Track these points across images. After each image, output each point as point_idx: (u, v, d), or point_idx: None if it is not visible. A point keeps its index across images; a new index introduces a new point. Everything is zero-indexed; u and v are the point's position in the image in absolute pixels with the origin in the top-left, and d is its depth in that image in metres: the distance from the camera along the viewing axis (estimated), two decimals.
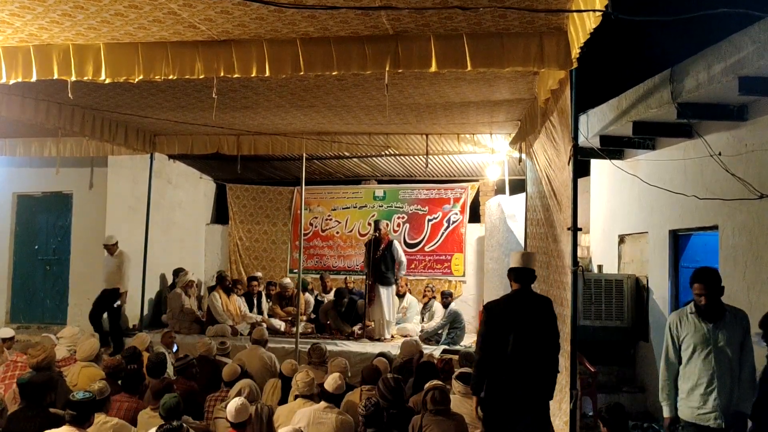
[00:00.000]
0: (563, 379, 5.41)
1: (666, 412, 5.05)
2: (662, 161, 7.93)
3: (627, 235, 9.51)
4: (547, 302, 5.56)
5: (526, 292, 5.49)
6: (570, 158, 5.07)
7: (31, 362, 6.77)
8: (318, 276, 12.92)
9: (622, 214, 9.57)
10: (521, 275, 5.47)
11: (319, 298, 12.09)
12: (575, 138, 5.03)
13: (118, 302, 10.17)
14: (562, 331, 5.63)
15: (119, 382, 6.75)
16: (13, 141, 10.44)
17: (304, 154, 10.14)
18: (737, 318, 4.80)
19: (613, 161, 8.85)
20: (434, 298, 11.51)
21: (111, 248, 10.45)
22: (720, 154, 6.38)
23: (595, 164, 10.75)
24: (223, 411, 5.91)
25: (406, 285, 12.01)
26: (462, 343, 10.41)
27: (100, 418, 5.46)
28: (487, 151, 10.26)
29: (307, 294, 11.99)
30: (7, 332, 8.72)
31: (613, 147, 8.60)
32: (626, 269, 9.49)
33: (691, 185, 7.14)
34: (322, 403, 5.82)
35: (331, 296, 12.05)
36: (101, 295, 10.27)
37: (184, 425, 4.62)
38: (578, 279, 5.26)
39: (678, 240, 7.98)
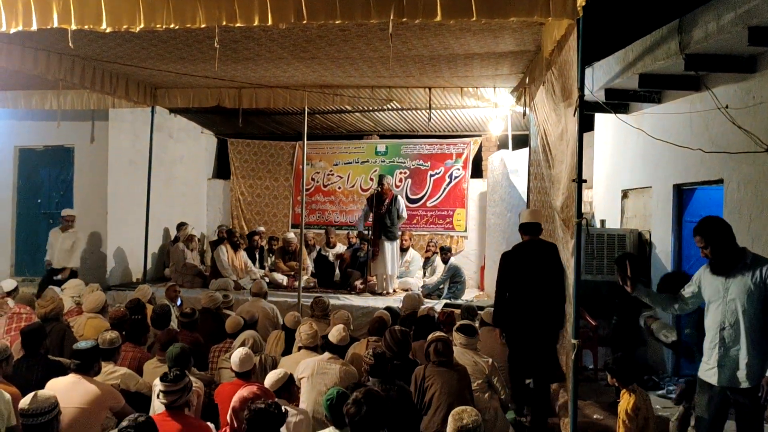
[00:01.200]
0: (564, 331, 5.43)
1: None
2: (668, 115, 7.86)
3: (630, 189, 9.48)
4: (553, 248, 6.43)
5: (535, 241, 6.60)
6: (576, 109, 5.01)
7: (39, 312, 6.84)
8: (321, 231, 12.94)
9: (626, 168, 9.52)
10: (529, 228, 6.64)
11: (323, 252, 12.10)
12: (581, 88, 4.97)
13: (59, 277, 10.15)
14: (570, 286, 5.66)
15: (123, 333, 6.81)
16: (15, 93, 10.35)
17: (306, 108, 10.07)
18: (757, 268, 4.38)
19: (618, 115, 8.78)
20: (436, 253, 11.54)
21: (67, 223, 10.49)
22: (727, 107, 6.32)
23: (600, 119, 10.67)
24: (227, 362, 5.97)
25: (410, 239, 12.03)
26: (463, 298, 10.46)
27: (108, 367, 5.54)
28: (490, 106, 10.17)
29: (307, 248, 12.01)
30: (9, 284, 8.75)
31: (618, 101, 8.52)
32: (629, 224, 9.48)
33: (697, 139, 7.09)
34: (326, 354, 5.87)
35: (335, 251, 12.07)
36: (48, 274, 10.31)
37: (188, 373, 4.66)
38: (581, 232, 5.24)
39: (682, 194, 7.95)
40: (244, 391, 4.30)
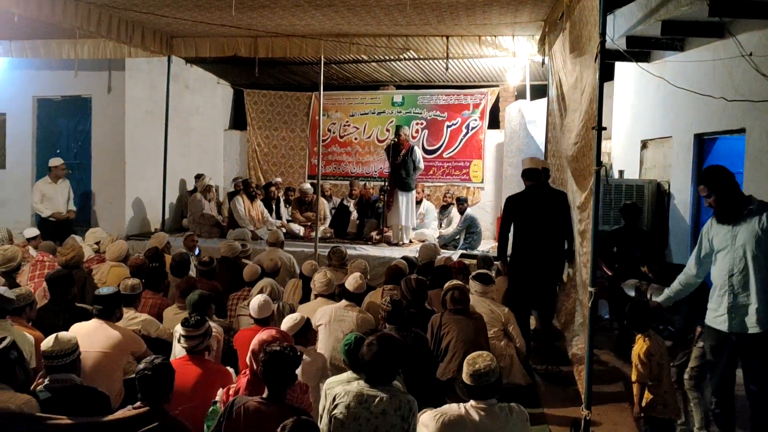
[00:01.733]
0: (583, 278, 5.44)
1: (655, 298, 5.12)
2: (690, 62, 7.74)
3: (650, 140, 9.39)
4: (561, 195, 6.95)
5: (539, 186, 7.06)
6: (597, 56, 4.94)
7: (60, 260, 6.93)
8: (337, 182, 12.94)
9: (646, 118, 9.42)
10: (529, 174, 7.08)
11: (344, 203, 12.09)
12: (603, 34, 4.89)
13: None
14: (582, 234, 5.65)
15: (142, 280, 6.90)
16: (33, 42, 10.33)
17: (322, 57, 9.96)
18: (764, 213, 4.39)
19: (639, 64, 8.65)
20: (452, 204, 11.53)
21: (62, 172, 10.33)
22: (751, 54, 6.19)
23: (620, 68, 10.53)
24: (245, 309, 6.05)
25: (423, 191, 12.01)
26: (479, 248, 10.48)
27: (129, 313, 5.63)
28: (508, 55, 10.01)
29: (323, 199, 12.02)
30: (32, 231, 8.88)
31: (639, 48, 8.39)
32: (648, 175, 9.42)
33: (719, 87, 6.97)
34: (343, 302, 5.93)
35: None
36: (50, 226, 10.00)
37: (207, 319, 4.72)
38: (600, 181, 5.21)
39: (703, 144, 7.86)
40: (264, 335, 4.35)
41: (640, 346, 4.81)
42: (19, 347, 3.72)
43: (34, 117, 11.88)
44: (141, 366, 3.52)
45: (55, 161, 10.35)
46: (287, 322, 4.89)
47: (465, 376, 3.72)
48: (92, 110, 11.48)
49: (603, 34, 4.89)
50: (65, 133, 11.83)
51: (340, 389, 3.80)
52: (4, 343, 3.61)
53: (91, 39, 9.91)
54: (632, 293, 5.92)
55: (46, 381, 3.77)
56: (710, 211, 4.81)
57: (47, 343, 3.88)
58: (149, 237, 10.21)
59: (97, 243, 8.60)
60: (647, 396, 4.77)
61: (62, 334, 3.99)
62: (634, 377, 4.86)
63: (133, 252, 8.94)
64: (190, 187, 12.48)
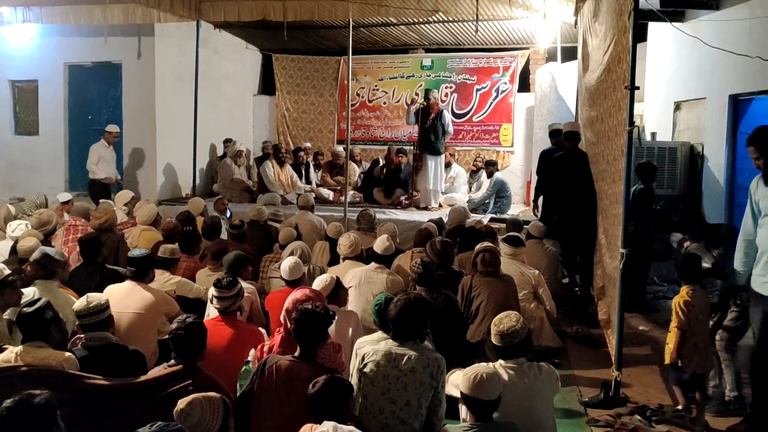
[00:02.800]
0: (616, 242, 5.41)
1: (739, 280, 4.67)
2: (726, 22, 7.58)
3: (683, 101, 9.25)
4: (583, 156, 7.52)
5: (572, 149, 7.64)
6: (630, 13, 4.85)
7: (93, 224, 7.03)
8: (366, 147, 12.97)
9: (680, 79, 9.27)
10: (570, 136, 7.64)
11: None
12: None
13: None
14: (614, 196, 5.61)
15: (176, 244, 6.98)
16: (63, 9, 10.38)
17: (351, 20, 9.88)
18: None
19: (673, 24, 8.48)
20: (482, 168, 11.46)
21: (112, 138, 10.73)
22: None
23: (653, 29, 10.34)
24: (276, 271, 6.10)
25: (453, 155, 11.95)
26: (509, 212, 10.43)
27: (164, 275, 5.72)
28: (539, 16, 9.87)
29: (353, 164, 12.01)
30: (65, 196, 9.00)
31: (673, 8, 8.23)
32: (681, 137, 9.30)
33: (756, 47, 6.82)
34: (373, 264, 5.95)
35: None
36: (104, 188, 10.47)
37: (238, 280, 4.77)
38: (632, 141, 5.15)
39: (738, 105, 7.73)
40: (297, 294, 4.40)
41: (682, 296, 4.80)
42: (53, 307, 3.79)
43: (65, 83, 11.99)
44: (174, 325, 3.58)
45: (112, 127, 10.73)
46: (318, 283, 4.92)
47: (493, 337, 3.75)
48: (122, 76, 11.55)
49: None
50: (96, 99, 11.93)
51: (369, 348, 3.84)
52: (39, 303, 3.69)
53: (121, 4, 9.92)
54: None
55: (83, 339, 3.86)
56: (746, 174, 4.73)
57: (80, 303, 3.97)
58: (181, 202, 10.33)
59: (126, 205, 8.69)
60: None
61: (92, 294, 4.07)
62: (673, 324, 4.82)
63: (165, 217, 9.04)
64: (219, 152, 12.54)
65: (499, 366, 3.69)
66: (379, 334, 4.04)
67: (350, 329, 4.87)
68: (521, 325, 3.73)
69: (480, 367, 3.46)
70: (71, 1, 9.90)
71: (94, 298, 3.99)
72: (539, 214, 8.92)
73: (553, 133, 8.90)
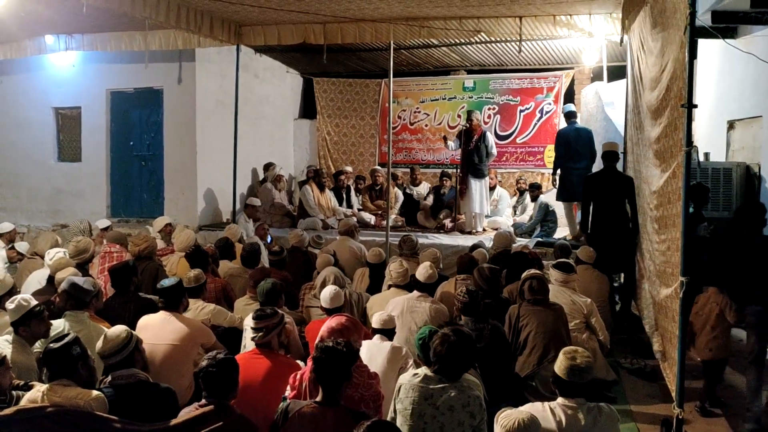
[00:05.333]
0: (666, 269, 5.10)
1: None
2: None
3: (738, 120, 8.87)
4: (629, 179, 7.72)
5: (612, 168, 8.02)
6: (686, 27, 4.59)
7: (133, 250, 6.93)
8: (407, 170, 12.73)
9: (733, 97, 8.91)
10: (609, 157, 8.02)
11: (407, 191, 11.94)
12: (692, 4, 4.54)
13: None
14: (669, 219, 5.32)
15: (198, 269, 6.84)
16: (103, 36, 10.43)
17: (392, 42, 9.73)
18: None
19: (726, 40, 8.15)
20: (526, 190, 11.20)
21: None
22: None
23: (703, 45, 9.98)
24: (314, 299, 5.91)
25: (496, 177, 11.70)
26: (555, 236, 10.13)
27: (197, 303, 5.54)
28: (584, 35, 9.60)
29: (396, 187, 11.83)
30: (104, 222, 8.97)
31: (725, 24, 7.91)
32: (735, 157, 8.91)
33: None
34: (416, 292, 5.72)
35: (420, 190, 11.91)
36: None
37: (279, 310, 4.58)
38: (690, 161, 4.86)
39: None
40: (333, 322, 4.21)
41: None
42: (82, 343, 3.62)
43: (107, 110, 12.03)
44: (204, 363, 3.38)
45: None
46: (381, 318, 4.73)
47: (560, 370, 3.47)
48: (164, 101, 11.55)
49: (693, 4, 4.54)
50: (138, 125, 11.95)
51: (406, 383, 3.61)
52: (67, 339, 3.53)
53: (161, 30, 9.93)
54: None
55: (108, 379, 3.67)
56: None
57: (99, 343, 3.79)
58: (221, 227, 10.22)
59: (160, 231, 8.63)
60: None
61: (110, 330, 3.89)
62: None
63: (206, 243, 8.94)
64: (260, 176, 12.46)
65: (557, 405, 3.42)
66: (424, 369, 3.80)
67: (400, 363, 4.65)
68: (592, 362, 3.48)
69: (532, 408, 3.20)
70: (112, 27, 9.92)
71: (112, 335, 3.80)
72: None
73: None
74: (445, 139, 10.92)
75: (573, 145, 9.77)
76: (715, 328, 5.45)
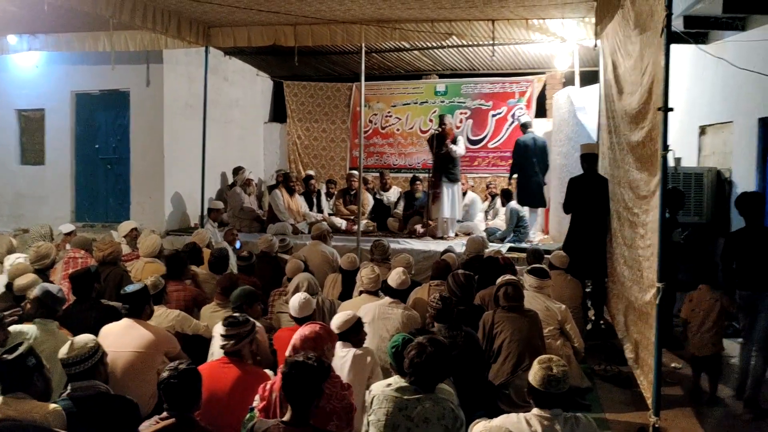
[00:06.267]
0: (648, 275, 5.03)
1: None
2: (753, 42, 7.26)
3: (709, 125, 8.89)
4: (605, 181, 7.46)
5: (589, 171, 7.89)
6: (663, 30, 4.54)
7: (98, 255, 6.75)
8: (377, 174, 12.62)
9: (704, 103, 8.93)
10: (588, 159, 7.93)
11: (377, 196, 11.82)
12: (669, 6, 4.50)
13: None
14: (645, 226, 5.26)
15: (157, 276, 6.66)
16: (67, 36, 10.18)
17: (363, 46, 9.62)
18: None
19: (698, 45, 8.17)
20: (497, 195, 11.14)
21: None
22: None
23: (675, 51, 9.97)
24: (284, 306, 5.76)
25: (467, 182, 11.62)
26: (527, 241, 10.07)
27: (160, 310, 5.37)
28: (556, 39, 9.57)
29: (366, 192, 11.70)
30: (68, 227, 8.74)
31: (697, 29, 7.93)
32: (706, 162, 8.94)
33: None
34: (387, 299, 5.61)
35: (390, 195, 11.78)
36: None
37: (250, 318, 4.43)
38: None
39: None
40: (306, 330, 4.07)
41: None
42: (37, 354, 3.44)
43: (72, 112, 11.79)
44: (165, 374, 3.21)
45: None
46: (338, 320, 4.58)
47: (535, 381, 3.35)
48: (131, 104, 11.33)
49: (669, 6, 4.51)
50: (104, 128, 11.72)
51: (379, 393, 3.47)
52: (21, 350, 3.34)
53: (127, 31, 9.70)
54: None
55: (68, 389, 3.49)
56: None
57: (63, 350, 3.61)
58: (189, 232, 10.02)
59: (126, 236, 8.43)
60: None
61: (78, 338, 3.72)
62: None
63: (172, 248, 8.75)
64: (230, 180, 12.27)
65: (533, 416, 3.31)
66: (395, 378, 3.67)
67: (368, 366, 4.51)
68: (567, 371, 3.37)
69: (507, 421, 3.09)
70: (76, 27, 9.67)
71: (79, 342, 3.63)
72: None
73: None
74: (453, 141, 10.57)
75: (530, 153, 10.39)
76: (716, 323, 5.83)
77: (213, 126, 11.08)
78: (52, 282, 6.25)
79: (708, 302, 5.86)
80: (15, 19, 8.96)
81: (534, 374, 3.37)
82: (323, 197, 11.90)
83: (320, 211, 11.62)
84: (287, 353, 4.01)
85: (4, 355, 3.33)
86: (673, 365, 6.59)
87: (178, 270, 6.40)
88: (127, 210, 11.38)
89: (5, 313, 4.29)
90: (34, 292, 4.79)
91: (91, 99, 11.71)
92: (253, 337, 4.38)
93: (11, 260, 6.51)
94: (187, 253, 7.13)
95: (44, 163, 11.99)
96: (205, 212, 10.64)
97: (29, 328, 4.51)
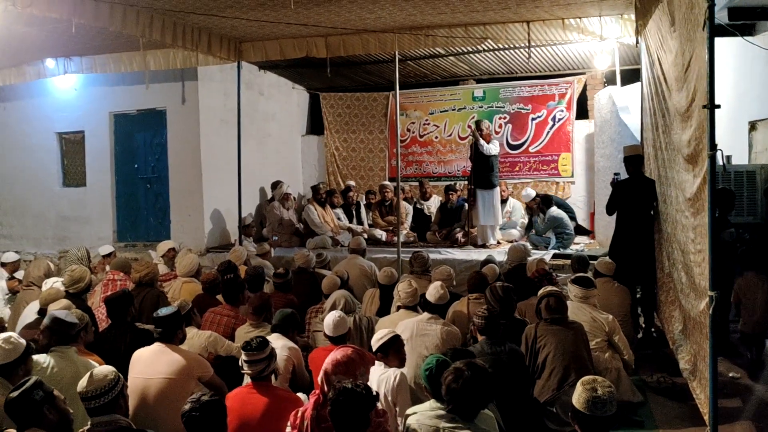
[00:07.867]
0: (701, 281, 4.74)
1: None
2: None
3: (759, 120, 8.52)
4: (652, 183, 7.29)
5: (636, 174, 7.58)
6: (705, 23, 4.27)
7: (134, 277, 6.68)
8: (416, 183, 12.42)
9: (753, 97, 8.57)
10: (633, 161, 7.62)
11: (418, 205, 11.62)
12: None
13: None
14: (695, 229, 4.97)
15: (217, 296, 6.56)
16: (102, 57, 10.20)
17: (397, 53, 9.44)
18: None
19: (744, 37, 7.82)
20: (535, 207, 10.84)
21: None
22: None
23: (719, 44, 9.63)
24: (320, 324, 5.60)
25: (507, 188, 11.35)
26: (572, 247, 9.78)
27: (192, 332, 5.26)
28: (595, 38, 9.26)
29: (404, 202, 11.50)
30: (106, 249, 8.73)
31: (743, 21, 7.60)
32: (758, 159, 8.57)
33: None
34: (425, 314, 5.40)
35: (431, 204, 11.57)
36: None
37: (269, 341, 4.27)
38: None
39: None
40: (338, 354, 3.90)
41: None
42: (45, 385, 3.31)
43: (111, 133, 11.84)
44: (187, 406, 3.07)
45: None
46: (376, 336, 4.41)
47: (579, 403, 3.11)
48: (167, 122, 11.33)
49: None
50: (142, 147, 11.74)
51: (414, 423, 3.27)
52: (26, 386, 3.22)
53: (160, 50, 9.70)
54: None
55: (87, 427, 3.35)
56: None
57: (82, 383, 3.46)
58: (229, 249, 9.94)
59: (163, 256, 8.39)
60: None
61: (98, 369, 3.58)
62: None
63: (213, 265, 8.69)
64: (269, 195, 12.19)
65: None
66: (432, 403, 3.47)
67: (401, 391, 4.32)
68: (614, 392, 3.13)
69: None
70: (109, 48, 9.69)
71: (98, 375, 3.49)
72: None
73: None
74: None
75: None
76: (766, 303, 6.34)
77: (250, 141, 11.02)
78: (90, 306, 6.22)
79: (764, 286, 6.39)
80: (49, 43, 8.99)
81: (578, 396, 3.13)
82: (362, 208, 11.76)
83: (360, 222, 11.48)
84: (319, 378, 3.85)
85: (10, 394, 3.21)
86: (731, 374, 6.25)
87: (235, 295, 6.27)
88: (167, 228, 11.37)
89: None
90: (44, 322, 4.68)
91: (129, 119, 11.76)
92: (275, 357, 4.23)
93: (49, 284, 6.47)
94: (222, 272, 7.03)
95: (86, 184, 12.06)
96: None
97: (44, 359, 4.37)
